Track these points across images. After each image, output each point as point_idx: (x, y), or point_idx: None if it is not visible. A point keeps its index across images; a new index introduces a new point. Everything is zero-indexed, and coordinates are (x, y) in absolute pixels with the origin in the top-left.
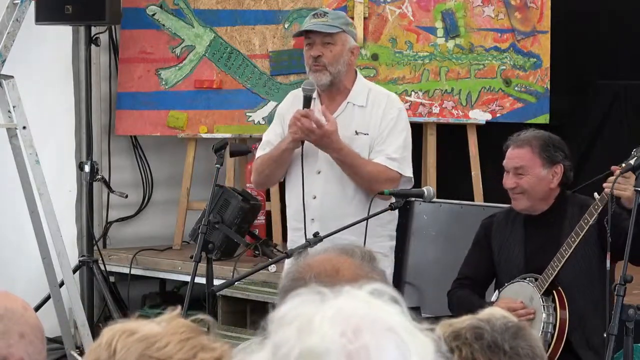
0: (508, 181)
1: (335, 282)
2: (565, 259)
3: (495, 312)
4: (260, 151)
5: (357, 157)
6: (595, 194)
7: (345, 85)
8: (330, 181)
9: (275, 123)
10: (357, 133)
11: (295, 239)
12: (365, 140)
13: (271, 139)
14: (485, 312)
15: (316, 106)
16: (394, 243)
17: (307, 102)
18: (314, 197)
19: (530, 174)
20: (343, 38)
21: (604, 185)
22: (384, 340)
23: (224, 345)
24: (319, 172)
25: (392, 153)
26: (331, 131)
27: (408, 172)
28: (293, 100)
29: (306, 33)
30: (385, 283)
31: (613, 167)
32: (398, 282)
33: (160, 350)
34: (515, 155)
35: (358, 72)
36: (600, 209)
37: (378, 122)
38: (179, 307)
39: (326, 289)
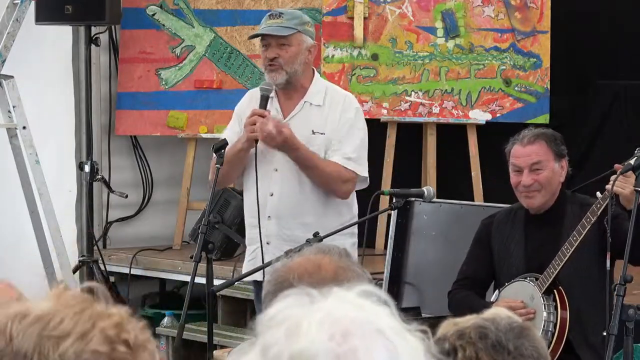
0: (525, 179)
1: (318, 278)
2: (566, 258)
3: (500, 312)
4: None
5: (314, 158)
6: (598, 193)
7: (302, 84)
8: (288, 179)
9: (233, 122)
10: (314, 132)
11: (252, 236)
12: (321, 140)
13: (229, 137)
14: (490, 312)
15: (274, 105)
16: (355, 240)
17: (264, 101)
18: (271, 195)
19: (547, 169)
20: (299, 38)
21: (607, 187)
22: (373, 343)
23: (121, 310)
24: (276, 170)
25: (350, 153)
26: (289, 135)
27: (364, 172)
28: (250, 100)
29: (262, 35)
30: (366, 274)
31: (616, 166)
32: (398, 282)
33: (57, 327)
34: (530, 151)
35: (316, 72)
36: (602, 207)
37: (335, 122)
38: (63, 283)
39: (314, 291)
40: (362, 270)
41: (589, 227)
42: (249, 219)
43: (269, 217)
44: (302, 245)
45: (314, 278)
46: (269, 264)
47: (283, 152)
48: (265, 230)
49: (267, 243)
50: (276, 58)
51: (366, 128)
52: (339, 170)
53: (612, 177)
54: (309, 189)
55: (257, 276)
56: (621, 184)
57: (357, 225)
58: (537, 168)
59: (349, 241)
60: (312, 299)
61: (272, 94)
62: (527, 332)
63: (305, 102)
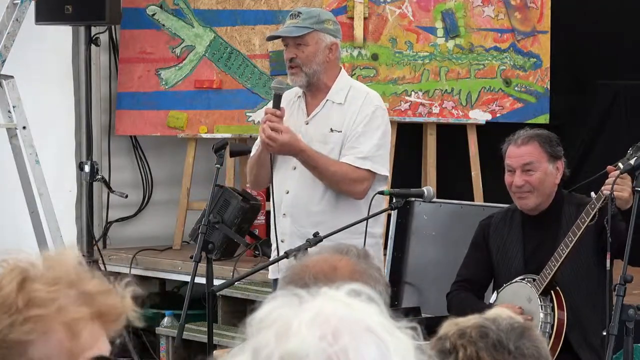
0: (517, 179)
1: (333, 280)
2: (562, 258)
3: (501, 312)
4: (253, 151)
5: (319, 159)
6: (592, 193)
7: (326, 83)
8: (304, 177)
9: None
10: (332, 130)
11: (272, 235)
12: (337, 137)
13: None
14: (492, 312)
15: (300, 105)
16: (374, 240)
17: (276, 100)
18: (287, 192)
19: (540, 170)
20: (316, 37)
21: (604, 188)
22: (364, 341)
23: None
24: (294, 168)
25: (365, 152)
26: (283, 142)
27: (383, 170)
28: (283, 103)
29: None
30: (383, 278)
31: (609, 168)
32: (398, 282)
33: None
34: (523, 152)
35: (342, 70)
36: (597, 208)
37: (352, 119)
38: None
39: (303, 291)
40: (379, 274)
41: (584, 227)
42: (273, 218)
43: (284, 214)
44: (302, 246)
45: (329, 279)
46: (267, 265)
47: (287, 155)
48: (280, 227)
49: (282, 241)
50: (294, 58)
51: (387, 126)
52: (346, 170)
53: (610, 179)
54: (322, 188)
55: (278, 274)
56: (619, 187)
57: (364, 225)
58: (529, 169)
59: (357, 242)
60: (301, 300)
61: (300, 93)
62: (529, 332)
63: (327, 100)
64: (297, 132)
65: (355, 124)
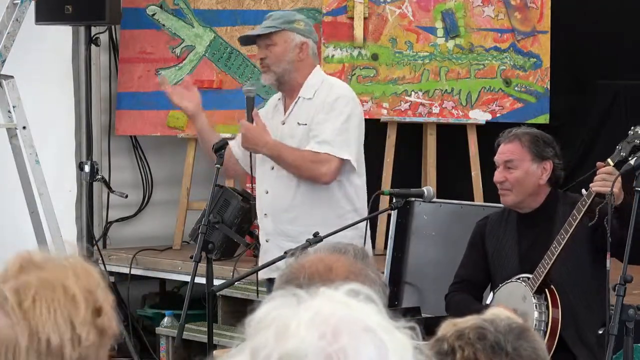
0: (497, 175)
1: (328, 281)
2: (555, 256)
3: (500, 312)
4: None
5: (281, 149)
6: (583, 190)
7: (298, 82)
8: (281, 175)
9: None
10: (299, 124)
11: (260, 235)
12: (302, 130)
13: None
14: (490, 313)
15: (279, 106)
16: (361, 241)
17: (249, 103)
18: (267, 192)
19: (520, 169)
20: (284, 37)
21: (592, 185)
22: (362, 341)
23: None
24: (272, 168)
25: (324, 137)
26: (245, 137)
27: (344, 154)
28: (267, 108)
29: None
30: (380, 279)
31: (598, 164)
32: (398, 282)
33: None
34: (505, 149)
35: (317, 67)
36: (587, 204)
37: (316, 110)
38: None
39: (301, 291)
40: (376, 275)
41: (575, 224)
42: (258, 218)
43: (265, 214)
44: (302, 245)
45: (324, 280)
46: (267, 265)
47: (256, 148)
48: (263, 227)
49: (267, 240)
50: (264, 59)
51: (352, 113)
52: (306, 155)
53: (600, 177)
54: (294, 184)
55: (269, 274)
56: (608, 183)
57: (361, 223)
58: (510, 167)
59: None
60: (299, 300)
61: (280, 96)
62: (527, 334)
63: (299, 97)
64: (275, 133)
65: (317, 113)
